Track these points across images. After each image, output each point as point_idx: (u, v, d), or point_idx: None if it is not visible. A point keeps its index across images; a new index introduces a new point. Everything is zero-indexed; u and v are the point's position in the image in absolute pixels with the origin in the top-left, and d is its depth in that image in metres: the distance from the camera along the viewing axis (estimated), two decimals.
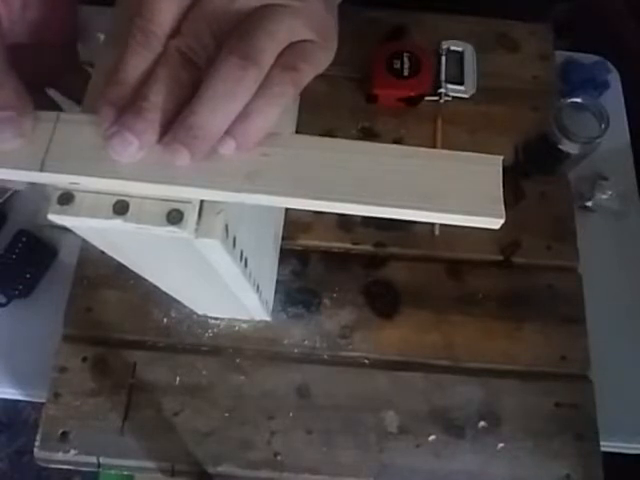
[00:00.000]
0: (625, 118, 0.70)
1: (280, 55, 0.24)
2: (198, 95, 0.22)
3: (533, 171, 0.63)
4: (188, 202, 0.24)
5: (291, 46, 0.24)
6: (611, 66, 0.72)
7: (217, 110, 0.22)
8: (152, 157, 0.23)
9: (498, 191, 0.24)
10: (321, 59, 0.26)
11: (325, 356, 0.56)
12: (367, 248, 0.60)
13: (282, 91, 0.23)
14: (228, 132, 0.23)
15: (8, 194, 0.61)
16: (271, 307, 0.55)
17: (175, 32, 0.23)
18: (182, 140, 0.22)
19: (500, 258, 0.60)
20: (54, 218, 0.24)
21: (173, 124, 0.23)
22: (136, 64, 0.23)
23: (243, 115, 0.23)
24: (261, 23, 0.23)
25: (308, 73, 0.24)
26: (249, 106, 0.23)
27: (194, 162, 0.23)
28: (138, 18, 0.23)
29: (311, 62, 0.25)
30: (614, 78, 0.72)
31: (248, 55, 0.22)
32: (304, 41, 0.25)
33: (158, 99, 0.22)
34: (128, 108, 0.23)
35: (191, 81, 0.23)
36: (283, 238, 0.58)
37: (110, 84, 0.23)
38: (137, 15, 0.23)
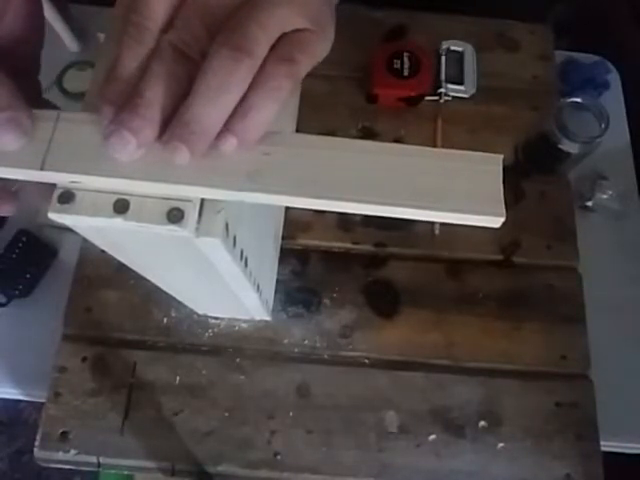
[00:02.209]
0: (625, 118, 0.70)
1: (275, 46, 0.23)
2: (193, 90, 0.22)
3: (533, 171, 0.63)
4: (188, 201, 0.24)
5: (286, 36, 0.24)
6: (611, 66, 0.72)
7: (212, 104, 0.22)
8: (152, 155, 0.23)
9: (498, 190, 0.24)
10: (318, 49, 0.25)
11: (325, 356, 0.56)
12: (367, 248, 0.60)
13: (279, 85, 0.23)
14: (228, 129, 0.23)
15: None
16: (271, 307, 0.55)
17: (169, 26, 0.23)
18: (180, 137, 0.22)
19: (500, 258, 0.60)
20: (54, 217, 0.24)
21: (171, 121, 0.23)
22: (131, 60, 0.23)
23: (242, 111, 0.23)
24: (252, 13, 0.23)
25: (305, 64, 0.24)
26: (247, 102, 0.23)
27: (194, 159, 0.23)
28: (132, 13, 0.23)
29: (307, 52, 0.24)
30: (614, 78, 0.72)
31: (240, 46, 0.22)
32: (300, 30, 0.24)
33: (153, 95, 0.22)
34: (125, 106, 0.22)
35: (186, 75, 0.23)
36: (283, 237, 0.58)
37: (107, 82, 0.23)
38: (131, 11, 0.23)
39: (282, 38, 0.24)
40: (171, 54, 0.23)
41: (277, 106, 0.23)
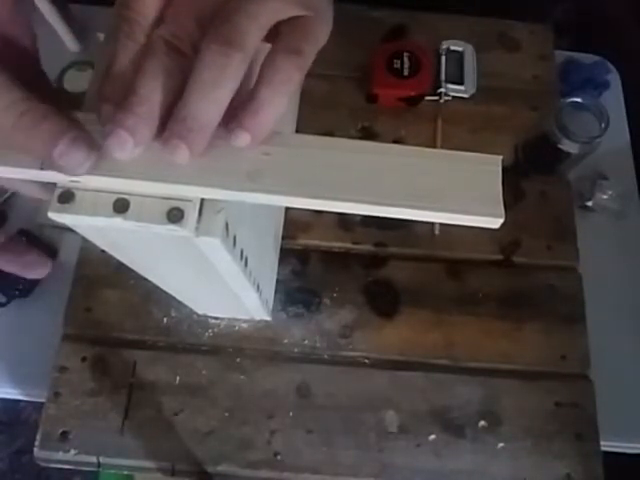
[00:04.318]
0: (625, 118, 0.70)
1: (280, 37, 0.23)
2: (187, 87, 0.22)
3: (533, 171, 0.63)
4: (188, 200, 0.24)
5: (288, 25, 0.24)
6: (611, 66, 0.72)
7: (207, 100, 0.22)
8: (152, 155, 0.23)
9: (498, 191, 0.24)
10: (320, 35, 0.25)
11: (325, 356, 0.56)
12: (367, 248, 0.60)
13: (289, 78, 0.23)
14: (241, 126, 0.23)
15: (8, 194, 0.61)
16: (271, 306, 0.55)
17: (160, 21, 0.23)
18: (178, 134, 0.22)
19: (500, 258, 0.60)
20: (54, 216, 0.24)
21: (169, 119, 0.23)
22: (124, 57, 0.23)
23: (254, 108, 0.23)
24: (241, 6, 0.23)
25: (311, 53, 0.24)
26: (259, 97, 0.23)
27: (194, 156, 0.23)
28: (123, 9, 0.23)
29: (311, 41, 0.24)
30: (614, 78, 0.72)
31: (230, 40, 0.22)
32: (298, 17, 0.24)
33: (148, 92, 0.22)
34: (120, 104, 0.22)
35: (180, 70, 0.23)
36: (283, 237, 0.58)
37: (103, 80, 0.23)
38: (122, 6, 0.23)
39: (283, 27, 0.24)
40: (163, 49, 0.23)
41: (287, 100, 0.23)
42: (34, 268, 0.31)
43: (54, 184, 0.24)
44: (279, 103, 0.23)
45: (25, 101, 0.22)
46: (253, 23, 0.22)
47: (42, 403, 0.52)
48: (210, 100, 0.22)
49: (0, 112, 0.22)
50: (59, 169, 0.23)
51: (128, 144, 0.22)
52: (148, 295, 0.56)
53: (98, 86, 0.24)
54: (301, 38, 0.24)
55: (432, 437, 0.53)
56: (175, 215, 0.24)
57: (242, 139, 0.23)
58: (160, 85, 0.22)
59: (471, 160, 0.25)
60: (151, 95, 0.22)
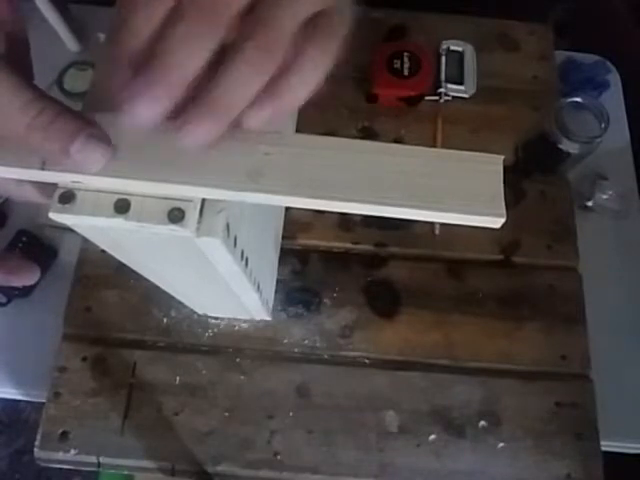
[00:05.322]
0: (625, 118, 0.70)
1: (309, 31, 0.24)
2: (222, 72, 0.22)
3: (533, 171, 0.63)
4: (189, 201, 0.24)
5: (315, 19, 0.24)
6: (611, 66, 0.72)
7: (238, 90, 0.22)
8: (153, 155, 0.23)
9: (499, 190, 0.24)
10: (342, 28, 0.26)
11: (325, 356, 0.56)
12: (367, 248, 0.60)
13: (314, 74, 0.24)
14: (260, 107, 0.23)
15: None
16: (271, 306, 0.55)
17: None
18: (200, 115, 0.21)
19: (500, 258, 0.60)
20: (55, 217, 0.24)
21: (193, 100, 0.22)
22: (147, 16, 0.22)
23: (277, 94, 0.23)
24: (279, 5, 0.22)
25: (334, 47, 0.25)
26: (282, 85, 0.23)
27: (205, 142, 0.22)
28: None
29: (336, 34, 0.25)
30: (614, 78, 0.72)
31: (273, 40, 0.22)
32: (323, 13, 0.24)
33: (181, 58, 0.21)
34: (150, 65, 0.21)
35: (211, 42, 0.21)
36: (283, 237, 0.58)
37: (122, 36, 0.22)
38: None
39: (312, 22, 0.24)
40: (195, 16, 0.21)
41: (309, 91, 0.24)
42: (19, 274, 0.31)
43: (52, 188, 0.24)
44: (302, 95, 0.24)
45: (39, 100, 0.22)
46: (294, 22, 0.23)
47: (42, 403, 0.52)
48: (242, 92, 0.22)
49: (15, 113, 0.22)
50: (75, 166, 0.22)
51: (158, 105, 0.21)
52: (148, 295, 0.56)
53: (115, 42, 0.22)
54: (326, 33, 0.24)
55: (432, 437, 0.53)
56: (176, 215, 0.24)
57: (259, 119, 0.23)
58: (192, 53, 0.21)
59: (472, 160, 0.25)
60: (185, 61, 0.21)
